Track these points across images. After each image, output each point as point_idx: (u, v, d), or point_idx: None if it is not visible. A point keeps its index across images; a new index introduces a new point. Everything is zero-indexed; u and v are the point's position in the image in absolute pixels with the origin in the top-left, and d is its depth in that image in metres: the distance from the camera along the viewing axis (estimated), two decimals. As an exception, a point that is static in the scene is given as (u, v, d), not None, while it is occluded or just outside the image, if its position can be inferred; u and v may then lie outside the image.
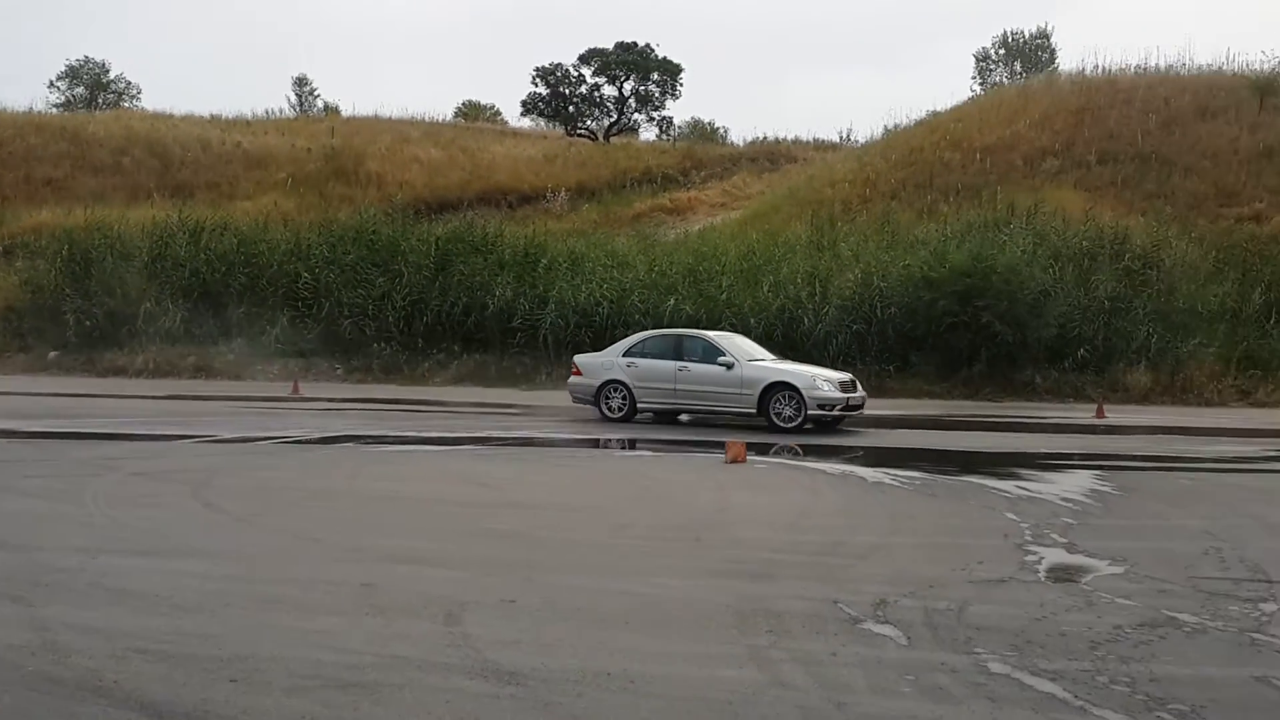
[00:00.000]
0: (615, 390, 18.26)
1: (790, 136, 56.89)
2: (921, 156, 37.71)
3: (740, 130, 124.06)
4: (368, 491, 10.79)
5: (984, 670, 5.44)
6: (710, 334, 19.03)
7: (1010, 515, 9.86)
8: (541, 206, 46.61)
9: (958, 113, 41.27)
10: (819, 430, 17.08)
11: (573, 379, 18.94)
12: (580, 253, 29.55)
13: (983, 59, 63.24)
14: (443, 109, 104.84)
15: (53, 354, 27.30)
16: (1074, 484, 12.00)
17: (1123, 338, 25.38)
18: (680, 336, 18.83)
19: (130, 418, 17.53)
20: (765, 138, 57.22)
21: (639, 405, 18.13)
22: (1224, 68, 39.79)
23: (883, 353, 25.48)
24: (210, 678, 5.05)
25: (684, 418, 18.60)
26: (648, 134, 65.17)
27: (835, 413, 17.13)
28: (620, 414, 18.10)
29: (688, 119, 69.91)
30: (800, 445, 15.15)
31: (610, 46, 62.21)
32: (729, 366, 17.44)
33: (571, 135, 62.09)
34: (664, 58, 62.51)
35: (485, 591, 6.77)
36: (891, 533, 9.07)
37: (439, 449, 14.34)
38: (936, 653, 5.70)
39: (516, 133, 64.23)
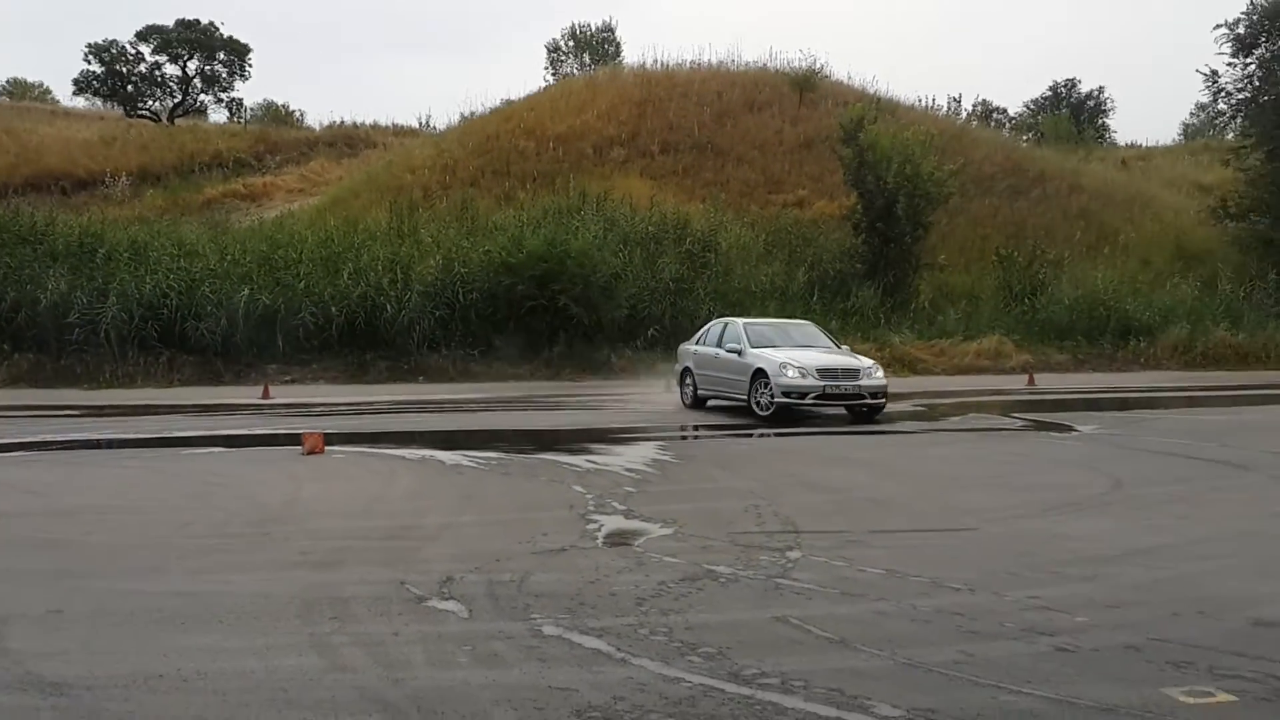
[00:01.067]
0: (686, 378, 19.18)
1: (369, 121, 56.24)
2: (498, 144, 38.46)
3: (317, 114, 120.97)
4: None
5: (538, 634, 5.76)
6: (741, 321, 19.17)
7: (577, 488, 10.39)
8: (100, 192, 43.52)
9: (531, 102, 42.38)
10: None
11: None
12: (143, 241, 27.85)
13: (554, 50, 65.16)
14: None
15: None
16: (639, 455, 12.80)
17: (687, 316, 27.12)
18: (725, 323, 19.12)
19: None
20: (343, 122, 56.24)
21: (699, 393, 18.74)
22: (768, 64, 43.30)
23: (467, 337, 25.88)
24: None
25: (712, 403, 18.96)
26: (217, 116, 62.32)
27: (809, 401, 16.53)
28: (690, 401, 18.97)
29: (260, 101, 67.37)
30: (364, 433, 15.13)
31: (170, 24, 58.79)
32: (739, 353, 17.59)
33: (131, 116, 58.23)
34: (230, 37, 59.88)
35: (29, 604, 6.36)
36: (462, 512, 9.32)
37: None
38: (495, 623, 5.98)
39: (69, 113, 59.47)
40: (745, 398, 17.28)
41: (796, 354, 17.24)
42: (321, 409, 19.32)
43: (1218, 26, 36.03)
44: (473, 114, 44.42)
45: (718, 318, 20.80)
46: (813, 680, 5.04)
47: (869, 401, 16.65)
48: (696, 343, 19.30)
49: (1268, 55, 35.16)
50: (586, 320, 25.54)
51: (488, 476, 11.35)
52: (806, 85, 39.77)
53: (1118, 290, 30.59)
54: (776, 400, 16.51)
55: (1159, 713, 4.69)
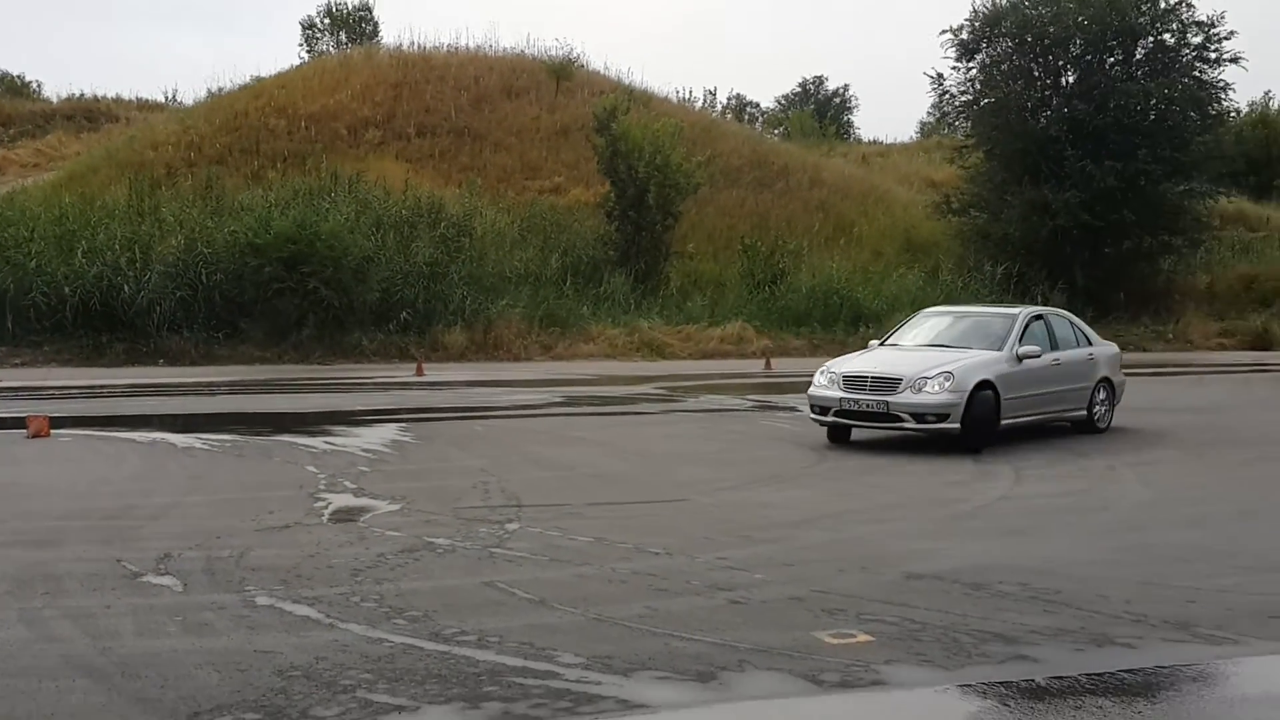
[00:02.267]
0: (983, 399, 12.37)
1: (112, 94, 53.55)
2: (247, 121, 37.40)
3: (55, 85, 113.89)
4: None
5: (251, 604, 6.03)
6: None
7: (311, 468, 10.58)
8: None
9: (283, 79, 41.33)
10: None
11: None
12: None
13: (309, 27, 63.53)
14: None
15: None
16: (378, 436, 13.03)
17: (441, 300, 27.26)
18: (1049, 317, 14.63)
19: None
20: (84, 94, 53.32)
21: (1004, 422, 12.79)
22: (526, 51, 43.60)
23: (210, 320, 25.23)
24: None
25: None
26: (-61, 82, 57.99)
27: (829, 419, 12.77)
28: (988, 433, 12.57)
29: (-11, 69, 63.02)
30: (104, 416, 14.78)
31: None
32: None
33: None
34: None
35: None
36: (189, 492, 9.39)
37: None
38: (209, 595, 6.21)
39: None
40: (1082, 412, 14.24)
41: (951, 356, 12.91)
42: (53, 392, 18.61)
43: (943, 32, 38.42)
44: (221, 90, 42.98)
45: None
46: (507, 636, 5.52)
47: (908, 426, 12.40)
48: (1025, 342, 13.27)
49: (988, 60, 37.77)
50: (337, 303, 25.32)
51: (220, 458, 11.36)
52: (563, 73, 40.29)
53: (850, 279, 32.41)
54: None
55: (805, 651, 5.38)
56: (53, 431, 12.67)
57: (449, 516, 8.36)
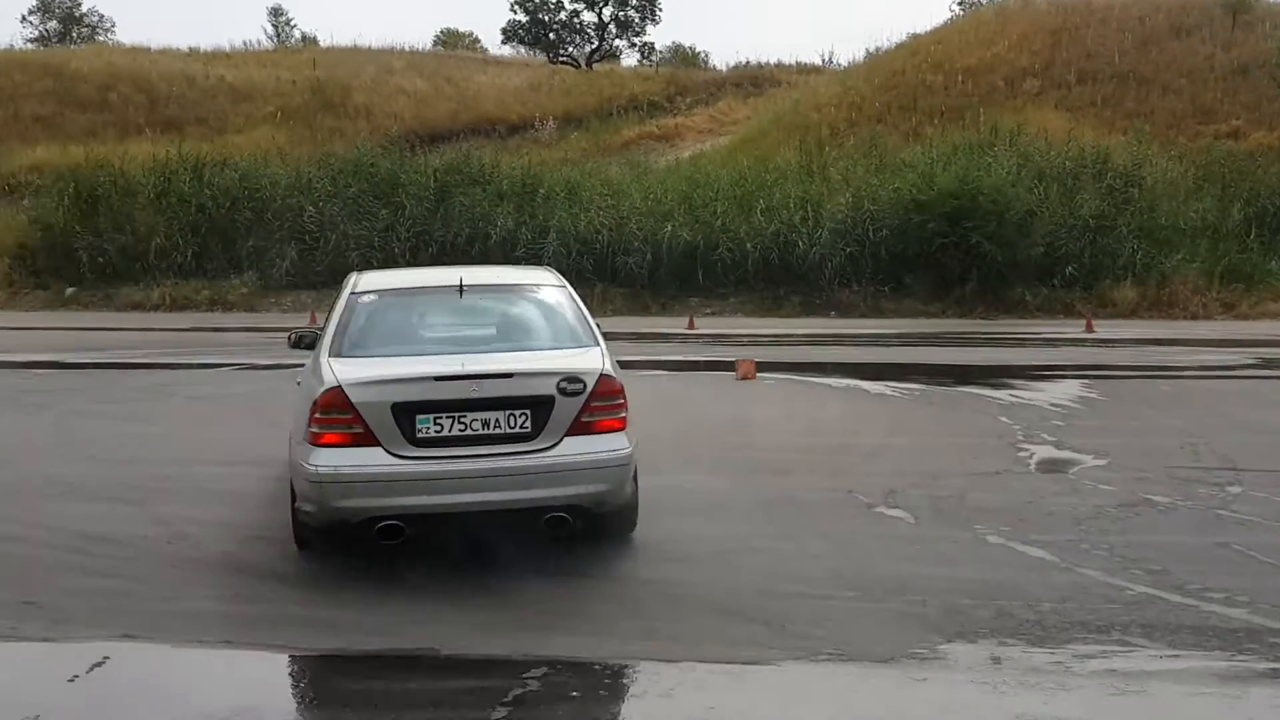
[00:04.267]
0: None
1: (773, 60, 57.07)
2: (904, 79, 38.15)
3: (722, 55, 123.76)
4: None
5: (983, 542, 6.34)
6: None
7: (1003, 419, 10.75)
8: (530, 136, 46.90)
9: (938, 35, 41.63)
10: None
11: None
12: (576, 182, 30.11)
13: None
14: (421, 38, 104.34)
15: (70, 290, 27.88)
16: (1062, 391, 12.90)
17: (1108, 255, 26.14)
18: None
19: (163, 348, 18.31)
20: (748, 62, 57.33)
21: None
22: (1197, -15, 40.14)
23: (877, 274, 26.22)
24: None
25: None
26: (629, 60, 65.28)
27: None
28: None
29: (669, 44, 69.91)
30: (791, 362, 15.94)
31: (588, -28, 62.03)
32: None
33: (554, 63, 62.13)
34: (641, -18, 62.43)
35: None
36: (893, 434, 9.96)
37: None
38: (942, 530, 6.61)
39: (499, 61, 64.15)
40: None
41: None
42: (744, 339, 20.46)
43: None
44: (878, 50, 44.17)
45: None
46: (1257, 598, 5.32)
47: None
48: None
49: None
50: (1000, 258, 25.21)
51: (911, 405, 11.90)
52: (1240, 7, 36.58)
53: None
54: None
55: None
56: (759, 375, 13.98)
57: (1161, 474, 8.14)
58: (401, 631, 4.82)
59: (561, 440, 5.81)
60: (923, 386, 13.29)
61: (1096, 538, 6.41)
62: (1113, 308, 25.25)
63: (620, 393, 6.18)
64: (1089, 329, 21.59)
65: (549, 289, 7.47)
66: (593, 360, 6.26)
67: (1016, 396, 12.40)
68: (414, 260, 27.70)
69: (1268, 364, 16.62)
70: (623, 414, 6.14)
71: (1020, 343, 19.94)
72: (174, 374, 14.79)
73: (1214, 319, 24.84)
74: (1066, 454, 9.02)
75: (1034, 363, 16.31)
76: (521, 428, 5.78)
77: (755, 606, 5.19)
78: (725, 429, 10.29)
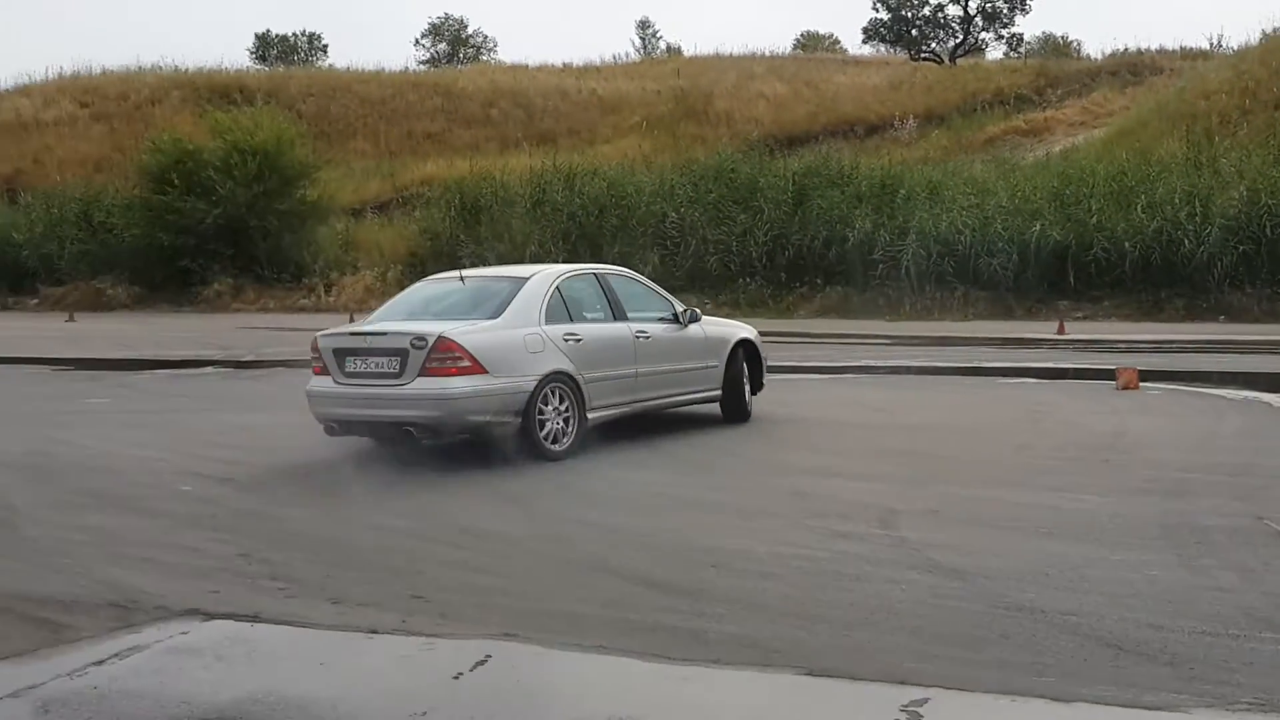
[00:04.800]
0: (556, 394, 9.15)
1: (1154, 46, 53.38)
2: (1308, 62, 34.68)
3: (1096, 43, 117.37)
4: (772, 415, 11.54)
5: None
6: (634, 273, 12.17)
7: None
8: (889, 135, 46.18)
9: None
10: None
11: (453, 386, 8.58)
12: (938, 182, 29.29)
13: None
14: (781, 42, 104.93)
15: (454, 296, 30.08)
16: None
17: None
18: (603, 277, 10.67)
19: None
20: (1125, 49, 53.88)
21: (590, 415, 9.42)
22: None
23: (1274, 275, 23.95)
24: (693, 565, 5.89)
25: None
26: (995, 53, 62.97)
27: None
28: (565, 445, 9.13)
29: (1038, 34, 66.97)
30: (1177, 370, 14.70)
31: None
32: (684, 322, 10.69)
33: (916, 60, 60.86)
34: (1008, -30, 60.07)
35: (908, 502, 7.32)
36: (1312, 456, 8.92)
37: (821, 377, 15.00)
38: (1385, 568, 5.76)
39: (858, 61, 63.59)
40: (714, 393, 10.98)
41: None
42: (1121, 345, 19.16)
43: None
44: (1276, 30, 40.32)
45: None
46: None
47: None
48: (553, 321, 9.49)
49: None
50: None
51: (1329, 422, 10.67)
52: None
53: None
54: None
55: None
56: (1141, 384, 12.98)
57: None
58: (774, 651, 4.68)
59: (415, 380, 8.51)
60: (1338, 400, 11.91)
61: None
62: None
63: (454, 349, 8.53)
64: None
65: (533, 279, 9.70)
66: (443, 328, 8.75)
67: None
68: (770, 265, 27.89)
69: None
70: (457, 365, 8.52)
71: None
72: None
73: None
74: None
75: None
76: (391, 369, 8.65)
77: (1156, 643, 4.68)
78: (1107, 443, 9.56)
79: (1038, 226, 25.81)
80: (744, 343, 11.24)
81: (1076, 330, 22.20)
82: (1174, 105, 36.55)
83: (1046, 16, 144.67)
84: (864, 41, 64.92)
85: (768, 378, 11.60)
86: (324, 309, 29.91)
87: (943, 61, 60.06)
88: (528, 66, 58.74)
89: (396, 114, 51.50)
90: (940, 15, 61.99)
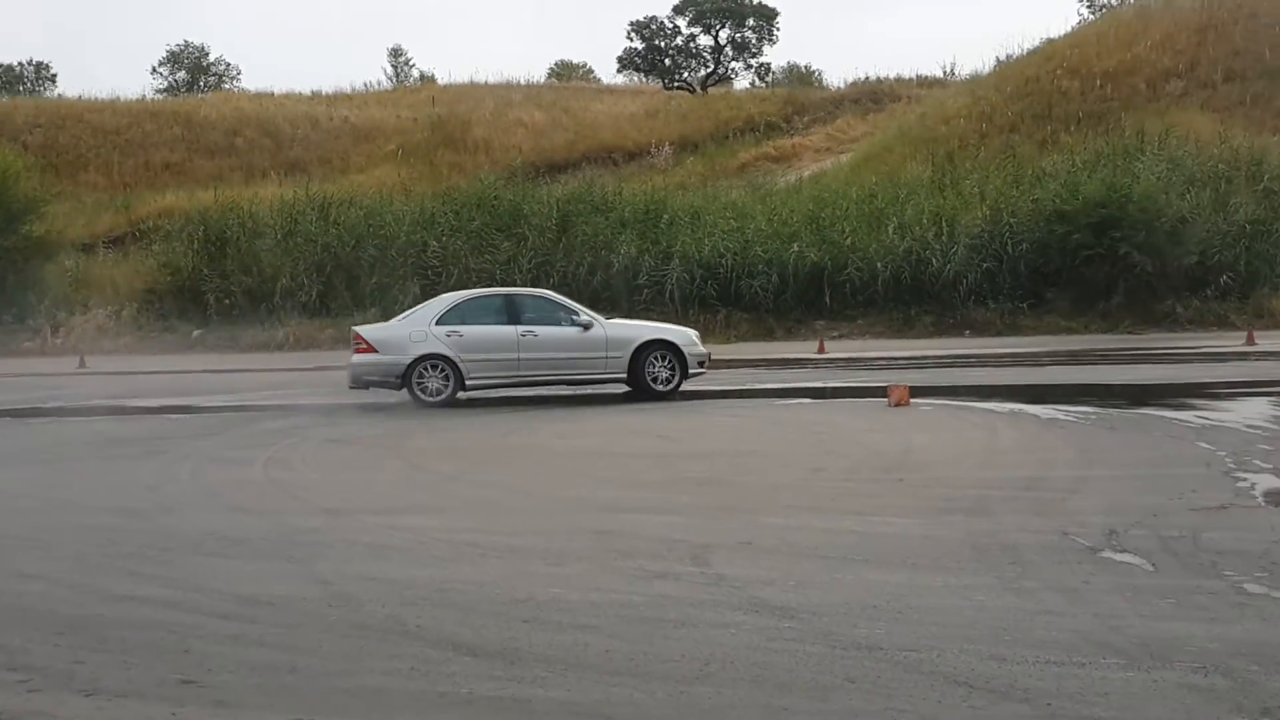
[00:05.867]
0: (434, 367, 14.74)
1: (891, 75, 56.12)
2: (1038, 86, 37.00)
3: (838, 72, 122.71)
4: (553, 448, 11.10)
5: (1241, 591, 5.49)
6: (549, 293, 16.82)
7: (1202, 444, 9.81)
8: (646, 162, 46.69)
9: (1074, 39, 40.33)
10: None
11: (360, 359, 14.93)
12: (699, 207, 29.65)
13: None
14: (536, 70, 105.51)
15: (196, 332, 28.23)
16: (1254, 411, 11.88)
17: (1266, 262, 24.84)
18: (510, 297, 15.90)
19: (291, 389, 18.17)
20: (866, 78, 56.46)
21: (469, 382, 14.81)
22: (1352, -27, 38.18)
23: (1015, 290, 25.24)
24: (504, 620, 5.33)
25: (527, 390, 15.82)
26: (743, 82, 64.77)
27: (704, 370, 15.67)
28: (443, 396, 14.71)
29: (784, 64, 69.32)
30: (936, 385, 15.11)
31: (704, -4, 61.73)
32: (586, 327, 15.04)
33: (669, 88, 61.93)
34: (759, 2, 61.89)
35: (717, 535, 6.97)
36: (1087, 466, 9.08)
37: (597, 406, 14.64)
38: (1189, 579, 5.75)
39: (613, 90, 64.25)
40: (616, 376, 15.12)
41: (659, 324, 17.06)
42: (879, 362, 19.65)
43: None
44: (1009, 57, 43.02)
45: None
46: None
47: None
48: (441, 323, 14.96)
49: None
50: (1150, 269, 23.99)
51: (1092, 430, 11.00)
52: (1400, -6, 34.73)
53: None
54: (691, 372, 15.26)
55: None
56: (912, 400, 13.17)
57: None
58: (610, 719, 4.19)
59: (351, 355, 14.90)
60: (1096, 409, 12.38)
61: (1379, 587, 5.52)
62: (1269, 318, 23.92)
63: (359, 338, 15.11)
64: (1250, 341, 20.33)
65: (438, 299, 16.68)
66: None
67: (1205, 418, 11.44)
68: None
69: None
70: (359, 347, 14.95)
71: (1181, 359, 18.81)
72: (307, 416, 14.52)
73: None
74: (1292, 484, 8.08)
75: (1206, 380, 15.26)
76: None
77: (1005, 678, 4.44)
78: (897, 462, 9.53)
79: (795, 248, 26.44)
80: (655, 343, 15.27)
81: (835, 349, 22.75)
82: (916, 130, 38.33)
83: (791, 47, 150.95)
84: (618, 70, 65.66)
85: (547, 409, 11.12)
86: (50, 353, 27.68)
87: (695, 90, 61.32)
88: (274, 94, 56.52)
89: (132, 144, 48.52)
90: (692, 45, 63.30)
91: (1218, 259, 24.65)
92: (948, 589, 5.69)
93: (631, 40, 62.89)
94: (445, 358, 14.72)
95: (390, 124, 49.15)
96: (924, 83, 53.60)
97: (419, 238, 28.83)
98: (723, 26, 61.97)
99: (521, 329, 14.94)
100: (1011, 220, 25.76)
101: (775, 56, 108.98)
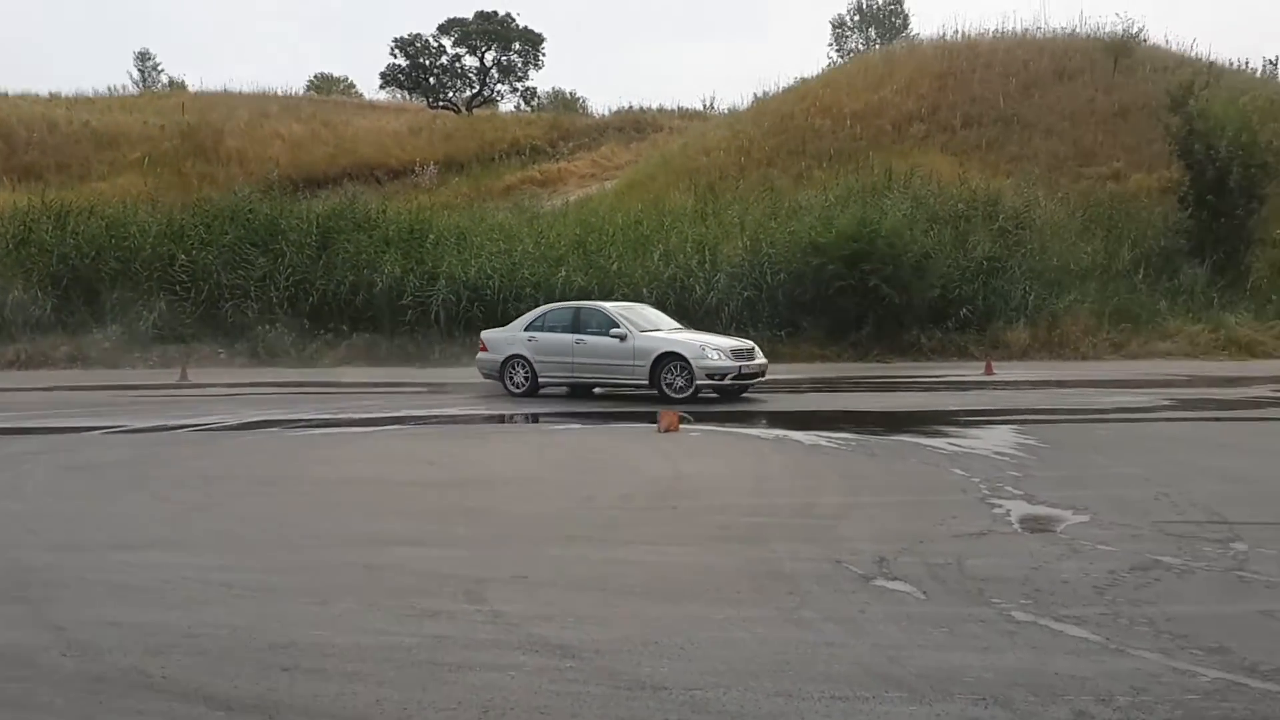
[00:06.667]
0: (518, 365, 17.94)
1: (654, 105, 57.10)
2: (792, 123, 38.24)
3: (602, 100, 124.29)
4: (315, 476, 10.56)
5: (1010, 619, 5.63)
6: (608, 305, 18.58)
7: (957, 471, 10.18)
8: (411, 181, 45.87)
9: (825, 79, 41.94)
10: (723, 399, 17.01)
11: (480, 355, 18.71)
12: (466, 227, 29.21)
13: (839, 25, 64.43)
14: (294, 82, 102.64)
15: (-87, 348, 25.80)
16: (1000, 438, 12.43)
17: (1001, 296, 26.28)
18: (578, 309, 18.37)
19: (23, 411, 16.77)
20: (630, 107, 57.25)
21: (541, 379, 17.86)
22: (1078, 30, 41.19)
23: (774, 318, 25.85)
24: (262, 668, 4.92)
25: (598, 390, 18.24)
26: (508, 105, 64.65)
27: (728, 381, 16.74)
28: (523, 389, 17.83)
29: (549, 89, 69.58)
30: (714, 411, 15.32)
31: (470, 16, 61.32)
32: (622, 338, 17.07)
33: (434, 107, 61.18)
34: (525, 27, 61.98)
35: (491, 568, 6.71)
36: (854, 493, 9.27)
37: (365, 430, 14.07)
38: (959, 606, 5.87)
39: (375, 106, 62.96)
40: (635, 382, 17.01)
41: (701, 337, 17.88)
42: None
43: None
44: (765, 94, 44.36)
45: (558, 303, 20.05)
46: (1349, 680, 4.71)
47: (759, 380, 17.64)
48: (527, 329, 18.12)
49: None
50: (897, 301, 25.04)
51: (855, 457, 11.26)
52: (1121, 51, 37.55)
53: None
54: (701, 383, 16.48)
55: None
56: (681, 426, 13.23)
57: (1153, 531, 7.59)
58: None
59: None
60: (856, 436, 12.73)
61: (1129, 610, 5.76)
62: (1005, 349, 25.31)
63: (481, 340, 18.94)
64: (989, 371, 21.49)
65: (531, 311, 19.29)
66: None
67: (956, 445, 11.92)
68: (293, 311, 26.44)
69: (1184, 404, 16.57)
70: (480, 346, 18.82)
71: (927, 387, 19.66)
72: (39, 440, 13.40)
73: (1104, 359, 25.06)
74: (1043, 509, 8.44)
75: (954, 407, 15.95)
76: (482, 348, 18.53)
77: (794, 714, 4.37)
78: (669, 489, 9.48)
79: (563, 273, 26.34)
80: (670, 354, 16.72)
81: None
82: (678, 160, 38.98)
83: (557, 73, 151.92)
84: (381, 87, 64.34)
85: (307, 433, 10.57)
86: None
87: (460, 111, 60.74)
88: (7, 94, 52.74)
89: None
90: (458, 65, 62.72)
91: (958, 293, 25.96)
92: (728, 622, 5.61)
93: (395, 57, 61.86)
94: (525, 358, 17.84)
95: (136, 130, 46.53)
96: (685, 115, 54.76)
97: (166, 250, 27.25)
98: (489, 49, 61.69)
99: (576, 337, 17.50)
100: (770, 251, 26.44)
101: (541, 81, 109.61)
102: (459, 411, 16.24)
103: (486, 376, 18.63)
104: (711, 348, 16.87)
